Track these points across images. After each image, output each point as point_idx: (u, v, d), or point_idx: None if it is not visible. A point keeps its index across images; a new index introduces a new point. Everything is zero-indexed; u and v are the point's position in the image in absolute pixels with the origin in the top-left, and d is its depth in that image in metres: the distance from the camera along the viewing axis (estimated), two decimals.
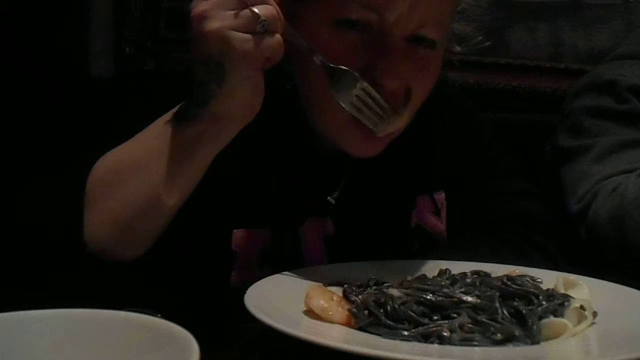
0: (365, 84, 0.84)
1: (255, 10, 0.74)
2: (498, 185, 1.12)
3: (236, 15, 0.74)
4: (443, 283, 0.81)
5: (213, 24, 0.74)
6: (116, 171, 0.83)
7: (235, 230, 0.92)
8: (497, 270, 0.89)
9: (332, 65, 0.83)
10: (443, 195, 1.07)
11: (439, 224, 1.06)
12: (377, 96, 0.84)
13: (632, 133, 1.24)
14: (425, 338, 0.69)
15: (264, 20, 0.74)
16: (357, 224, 0.99)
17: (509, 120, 1.64)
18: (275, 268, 0.90)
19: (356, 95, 0.84)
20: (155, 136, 0.83)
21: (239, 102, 0.79)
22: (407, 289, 0.78)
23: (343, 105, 0.84)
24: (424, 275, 0.87)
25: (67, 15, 1.59)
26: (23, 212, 0.87)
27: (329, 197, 0.96)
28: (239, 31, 0.74)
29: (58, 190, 0.85)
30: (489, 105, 1.69)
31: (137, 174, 0.82)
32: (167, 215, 0.83)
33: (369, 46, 0.86)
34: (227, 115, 0.79)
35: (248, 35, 0.74)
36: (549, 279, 0.86)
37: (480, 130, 1.18)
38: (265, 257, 0.94)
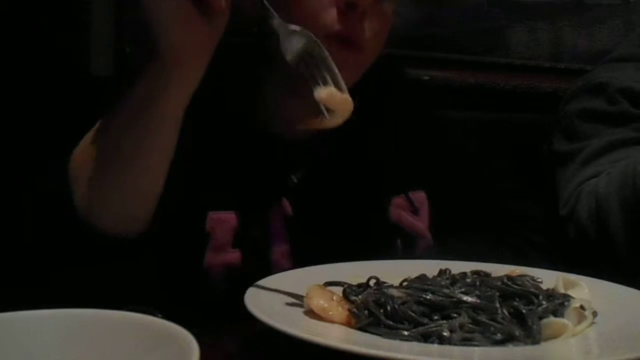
0: (320, 50, 0.81)
1: None
2: (492, 186, 1.13)
3: None
4: (443, 283, 0.81)
5: None
6: (90, 145, 0.84)
7: (210, 213, 0.95)
8: (497, 270, 0.89)
9: (290, 27, 0.81)
10: (422, 194, 1.08)
11: (418, 223, 1.07)
12: (331, 63, 0.81)
13: (622, 132, 1.25)
14: (425, 338, 0.69)
15: None
16: (319, 210, 1.01)
17: (508, 120, 1.64)
18: (244, 250, 0.94)
19: (309, 54, 0.80)
20: (120, 111, 0.83)
21: (174, 41, 0.77)
22: (407, 289, 0.78)
23: (288, 59, 0.80)
24: (424, 275, 0.87)
25: (67, 15, 1.59)
26: (27, 212, 0.89)
27: (291, 175, 1.00)
28: None
29: (45, 183, 0.87)
30: (489, 105, 1.69)
31: (102, 140, 0.83)
32: (153, 179, 0.83)
33: None
34: (170, 59, 0.78)
35: None
36: (549, 279, 0.86)
37: (447, 131, 1.19)
38: (237, 238, 0.96)
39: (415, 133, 1.13)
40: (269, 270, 0.95)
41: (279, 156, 1.00)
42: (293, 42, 0.80)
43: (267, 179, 0.99)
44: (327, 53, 0.79)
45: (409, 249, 1.05)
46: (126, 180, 0.83)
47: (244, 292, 0.91)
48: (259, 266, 0.95)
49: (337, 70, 0.79)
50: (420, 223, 1.07)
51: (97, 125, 0.85)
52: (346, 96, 0.79)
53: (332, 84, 0.79)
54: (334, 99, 0.78)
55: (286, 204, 0.99)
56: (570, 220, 1.20)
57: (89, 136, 0.86)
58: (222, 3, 0.75)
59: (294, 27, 0.80)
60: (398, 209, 1.06)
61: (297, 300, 0.78)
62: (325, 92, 0.78)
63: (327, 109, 0.79)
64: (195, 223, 0.95)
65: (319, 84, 0.79)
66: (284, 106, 1.02)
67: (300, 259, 0.95)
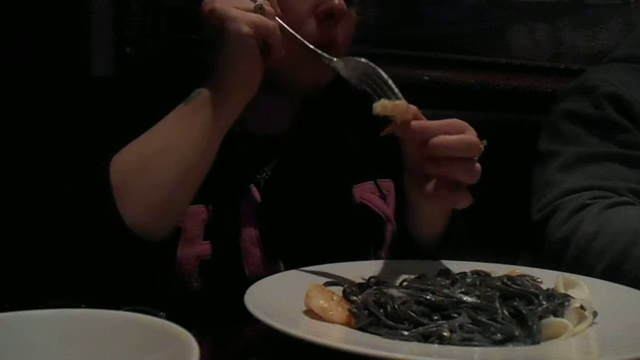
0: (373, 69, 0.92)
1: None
2: None
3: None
4: (443, 283, 0.81)
5: (217, 3, 0.87)
6: (142, 157, 0.90)
7: None
8: (497, 270, 0.89)
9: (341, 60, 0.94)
10: (390, 182, 1.12)
11: (385, 207, 1.10)
12: (384, 76, 0.91)
13: (597, 145, 1.25)
14: (425, 338, 0.69)
15: (260, 5, 0.88)
16: (289, 198, 1.03)
17: (509, 120, 1.63)
18: (216, 241, 0.97)
19: (367, 75, 0.92)
20: (172, 121, 0.90)
21: (237, 71, 0.89)
22: (407, 289, 0.78)
23: (355, 84, 0.93)
24: (424, 275, 0.87)
25: (67, 15, 1.59)
26: (41, 212, 0.90)
27: (264, 168, 1.04)
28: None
29: (80, 187, 0.89)
30: (489, 105, 1.69)
31: (165, 155, 0.89)
32: (197, 186, 0.91)
33: None
34: (230, 85, 0.89)
35: (244, 11, 0.87)
36: (549, 279, 0.86)
37: None
38: (209, 230, 0.98)
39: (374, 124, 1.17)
40: (240, 260, 0.97)
41: (251, 151, 1.04)
42: (351, 70, 0.93)
43: (239, 173, 1.02)
44: (379, 70, 0.91)
45: (379, 236, 1.08)
46: (183, 188, 0.90)
47: (217, 284, 0.93)
48: (230, 256, 0.97)
49: (389, 81, 0.90)
50: (387, 208, 1.10)
51: (145, 134, 0.90)
52: (398, 102, 0.89)
53: (385, 96, 0.90)
54: (386, 108, 0.89)
55: (255, 191, 1.01)
56: (542, 228, 1.21)
57: (134, 143, 0.90)
58: (282, 53, 0.90)
59: (344, 59, 0.94)
60: (368, 192, 1.10)
61: (297, 300, 0.78)
62: (377, 106, 0.89)
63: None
64: None
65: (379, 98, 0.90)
66: (255, 105, 1.03)
67: (270, 245, 0.98)
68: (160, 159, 0.89)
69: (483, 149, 0.89)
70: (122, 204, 0.86)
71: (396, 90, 0.89)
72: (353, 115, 1.13)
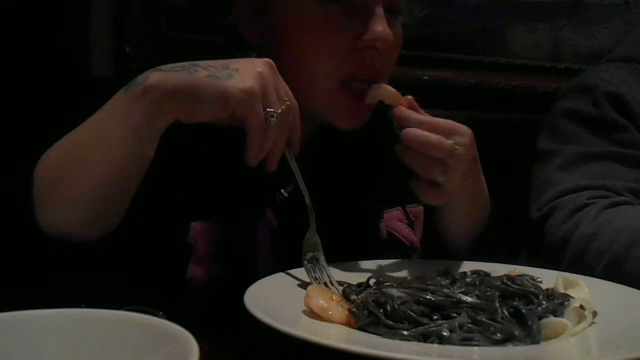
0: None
1: (276, 108, 0.81)
2: None
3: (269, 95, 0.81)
4: (443, 283, 0.81)
5: (256, 107, 0.80)
6: (72, 151, 0.81)
7: (192, 224, 0.92)
8: (497, 270, 0.89)
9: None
10: (421, 208, 1.07)
11: (412, 235, 1.06)
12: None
13: (597, 144, 1.25)
14: (425, 338, 0.69)
15: (276, 115, 0.81)
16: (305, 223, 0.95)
17: (509, 120, 1.64)
18: (229, 262, 0.92)
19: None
20: (105, 116, 0.81)
21: (203, 104, 0.80)
22: (407, 289, 0.78)
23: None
24: (424, 275, 0.87)
25: (67, 15, 1.59)
26: None
27: (282, 190, 0.97)
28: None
29: (7, 186, 0.83)
30: (489, 105, 1.69)
31: (99, 150, 0.79)
32: (133, 185, 0.82)
33: (354, 18, 0.91)
34: (201, 95, 0.80)
35: (260, 110, 0.80)
36: (549, 279, 0.86)
37: None
38: (221, 251, 0.93)
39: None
40: (251, 283, 0.93)
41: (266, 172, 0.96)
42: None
43: (257, 193, 0.96)
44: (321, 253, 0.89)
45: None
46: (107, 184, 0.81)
47: (227, 304, 0.87)
48: (242, 278, 0.91)
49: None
50: (414, 236, 1.06)
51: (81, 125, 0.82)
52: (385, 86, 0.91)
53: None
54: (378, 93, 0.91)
55: (272, 216, 0.96)
56: (541, 227, 1.21)
57: (67, 136, 0.82)
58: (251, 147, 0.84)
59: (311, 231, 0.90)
60: (395, 221, 1.05)
61: (297, 300, 0.78)
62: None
63: None
64: (178, 234, 0.92)
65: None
66: None
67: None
68: (95, 153, 0.79)
69: (453, 152, 0.87)
70: (45, 202, 0.78)
71: (333, 278, 0.86)
72: (383, 138, 1.05)
